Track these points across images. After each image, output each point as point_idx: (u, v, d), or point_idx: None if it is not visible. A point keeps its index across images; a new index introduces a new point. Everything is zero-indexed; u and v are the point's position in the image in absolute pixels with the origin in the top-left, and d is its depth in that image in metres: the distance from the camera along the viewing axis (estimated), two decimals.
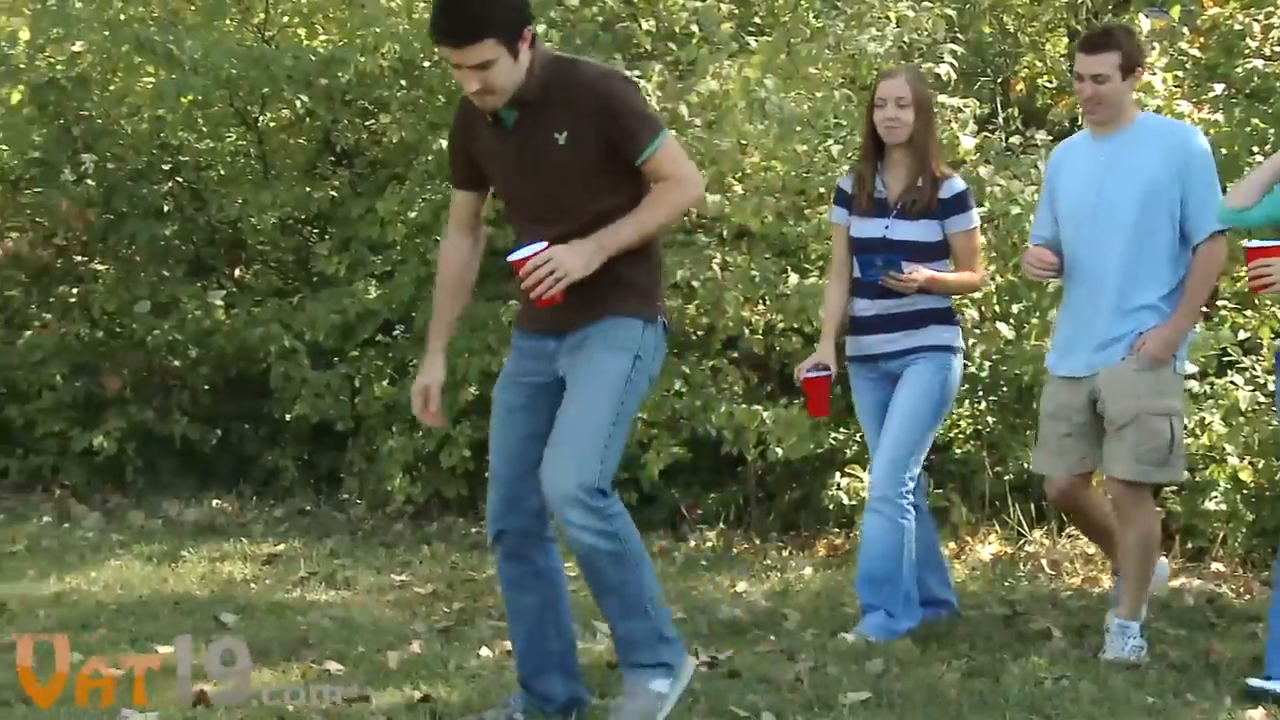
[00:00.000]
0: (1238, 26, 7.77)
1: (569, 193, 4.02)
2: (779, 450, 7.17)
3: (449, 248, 4.39)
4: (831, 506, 7.32)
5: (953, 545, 7.08)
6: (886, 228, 5.53)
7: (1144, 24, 7.67)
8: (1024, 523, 7.04)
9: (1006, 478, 7.13)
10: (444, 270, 4.40)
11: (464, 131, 4.20)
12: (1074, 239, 5.25)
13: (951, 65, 7.70)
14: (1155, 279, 5.12)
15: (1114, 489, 5.22)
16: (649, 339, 4.12)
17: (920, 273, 5.41)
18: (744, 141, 7.43)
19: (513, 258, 3.98)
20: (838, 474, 7.24)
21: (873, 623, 5.44)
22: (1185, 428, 6.66)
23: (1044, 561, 6.80)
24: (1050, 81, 7.70)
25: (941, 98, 7.51)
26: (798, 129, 7.27)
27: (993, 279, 7.08)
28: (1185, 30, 7.94)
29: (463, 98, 4.16)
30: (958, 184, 5.57)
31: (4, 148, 9.61)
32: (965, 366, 7.24)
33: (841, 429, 7.31)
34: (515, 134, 4.04)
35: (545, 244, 3.95)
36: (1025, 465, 6.87)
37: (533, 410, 4.16)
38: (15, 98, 9.05)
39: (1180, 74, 7.55)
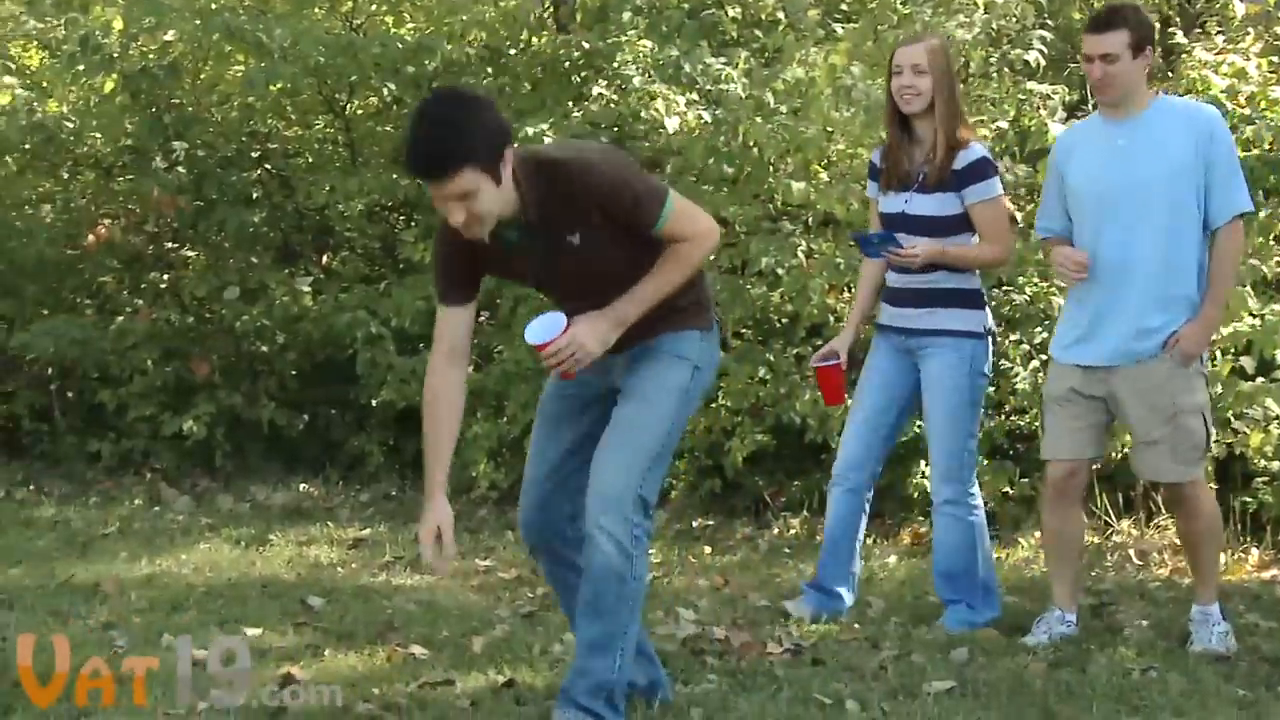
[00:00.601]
0: None
1: (596, 277, 3.99)
2: None
3: (440, 383, 4.07)
4: (916, 495, 7.28)
5: (1039, 535, 7.02)
6: (906, 202, 5.43)
7: (1239, 9, 7.55)
8: (1111, 512, 6.97)
9: (1094, 467, 7.04)
10: (436, 407, 4.06)
11: (459, 241, 4.00)
12: (1096, 227, 5.08)
13: (1041, 51, 7.61)
14: (1189, 265, 4.99)
15: (1167, 492, 5.13)
16: (705, 349, 4.14)
17: (920, 247, 5.31)
18: (829, 128, 7.39)
19: (532, 341, 3.96)
20: (922, 462, 7.18)
21: (954, 617, 5.41)
22: (1276, 417, 6.61)
23: (1131, 552, 6.74)
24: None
25: (1030, 84, 7.44)
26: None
27: None
28: None
29: None
30: (976, 151, 5.39)
31: (98, 135, 9.73)
32: (1040, 354, 7.22)
33: None
34: (523, 247, 3.97)
35: (564, 321, 3.93)
36: (1113, 454, 6.79)
37: (578, 423, 4.16)
38: (109, 86, 9.17)
39: (1276, 59, 7.42)
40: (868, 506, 5.72)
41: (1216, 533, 5.26)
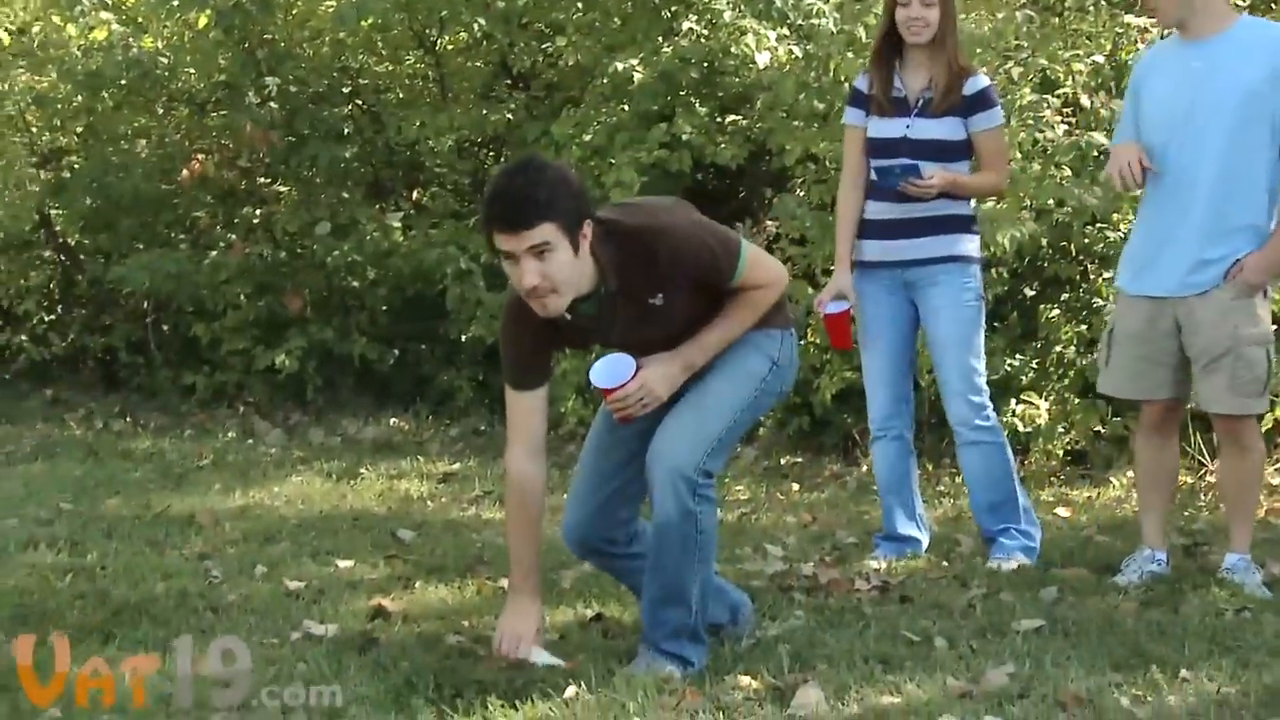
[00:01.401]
0: None
1: (679, 328, 3.98)
2: None
3: (527, 473, 4.05)
4: (1006, 433, 7.20)
5: (1130, 474, 6.95)
6: (908, 126, 5.33)
7: None
8: (1205, 452, 6.88)
9: (1188, 406, 6.96)
10: (522, 502, 4.07)
11: (532, 322, 3.89)
12: (1164, 149, 4.92)
13: None
14: (1253, 195, 4.84)
15: (1220, 425, 5.02)
16: (785, 348, 4.13)
17: (940, 176, 5.23)
18: None
19: (599, 385, 3.93)
20: (1013, 400, 7.13)
21: (1006, 547, 5.36)
22: None
23: None
24: (1242, 0, 7.45)
25: (1128, 18, 7.32)
26: (978, 50, 7.12)
27: None
28: None
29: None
30: (982, 79, 5.35)
31: (192, 71, 9.82)
32: None
33: (1017, 355, 7.22)
34: (605, 316, 3.91)
35: (632, 363, 3.92)
36: None
37: (638, 435, 4.08)
38: (202, 22, 9.22)
39: None
40: (913, 447, 5.65)
41: (1261, 476, 5.17)
